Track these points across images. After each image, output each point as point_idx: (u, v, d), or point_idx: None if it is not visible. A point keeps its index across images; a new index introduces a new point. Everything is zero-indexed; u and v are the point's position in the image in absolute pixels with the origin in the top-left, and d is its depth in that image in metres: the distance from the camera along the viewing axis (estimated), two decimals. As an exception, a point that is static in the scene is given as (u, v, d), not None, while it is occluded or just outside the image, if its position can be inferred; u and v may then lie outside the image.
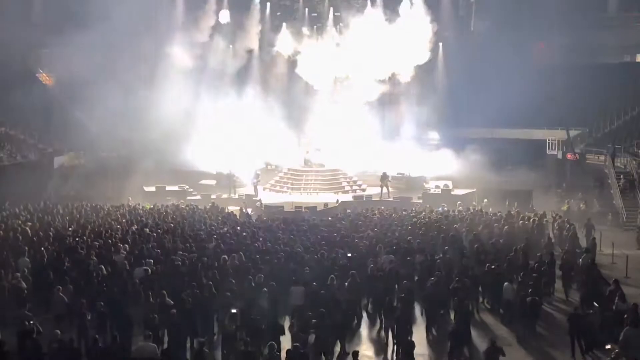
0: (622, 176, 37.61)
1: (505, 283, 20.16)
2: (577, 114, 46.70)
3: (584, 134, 46.53)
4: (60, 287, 18.90)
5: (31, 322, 16.52)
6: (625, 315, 16.75)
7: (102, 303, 17.96)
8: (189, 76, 46.82)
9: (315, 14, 51.51)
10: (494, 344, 15.48)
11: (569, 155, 45.01)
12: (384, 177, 41.73)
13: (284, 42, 50.30)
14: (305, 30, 50.49)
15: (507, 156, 43.43)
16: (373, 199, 41.14)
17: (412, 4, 46.64)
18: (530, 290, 19.28)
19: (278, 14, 52.20)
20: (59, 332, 15.85)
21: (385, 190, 41.66)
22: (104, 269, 21.18)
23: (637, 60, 53.94)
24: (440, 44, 48.01)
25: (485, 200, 36.98)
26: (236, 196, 42.19)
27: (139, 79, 44.45)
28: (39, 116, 44.77)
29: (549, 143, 47.26)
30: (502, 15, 47.88)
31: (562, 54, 48.60)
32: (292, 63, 49.19)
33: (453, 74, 49.83)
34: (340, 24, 49.48)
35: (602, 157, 41.97)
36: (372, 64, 46.10)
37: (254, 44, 50.65)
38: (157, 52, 46.37)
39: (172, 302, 17.78)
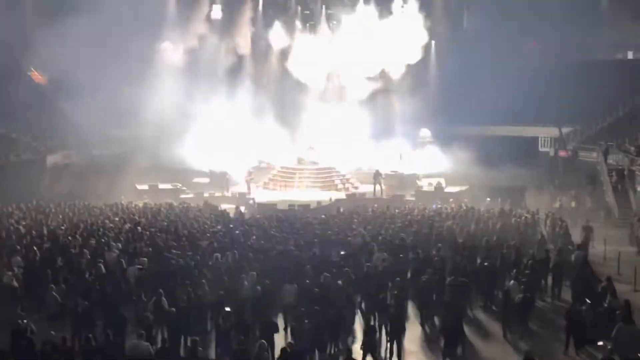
0: (614, 173, 37.70)
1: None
2: (569, 111, 46.83)
3: (577, 131, 46.70)
4: (53, 286, 18.87)
5: (24, 321, 16.47)
6: (618, 312, 16.81)
7: (95, 301, 17.96)
8: (181, 73, 46.72)
9: (308, 12, 51.48)
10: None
11: (561, 153, 45.19)
12: (376, 175, 41.81)
13: (277, 38, 50.40)
14: (298, 25, 50.51)
15: (499, 153, 43.51)
16: (366, 197, 41.20)
17: (404, 2, 46.67)
18: (522, 287, 19.34)
19: (271, 11, 52.11)
20: (53, 332, 15.82)
21: (378, 187, 41.75)
22: (99, 267, 21.15)
23: (629, 58, 54.09)
24: (433, 41, 48.04)
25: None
26: (229, 194, 42.20)
27: (132, 76, 44.29)
28: (31, 115, 44.66)
29: (541, 140, 47.49)
30: (495, 13, 47.97)
31: (555, 51, 48.67)
32: (284, 61, 49.14)
33: (445, 71, 49.92)
34: (333, 21, 49.49)
35: (594, 154, 42.09)
36: (364, 61, 46.14)
37: (247, 41, 50.50)
38: (149, 48, 46.23)
39: (166, 302, 17.76)
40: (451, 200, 37.29)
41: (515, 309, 19.00)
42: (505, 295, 19.57)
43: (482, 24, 50.40)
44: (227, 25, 49.67)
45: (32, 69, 50.65)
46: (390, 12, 47.28)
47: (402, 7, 47.02)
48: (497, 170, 41.78)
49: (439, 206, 35.03)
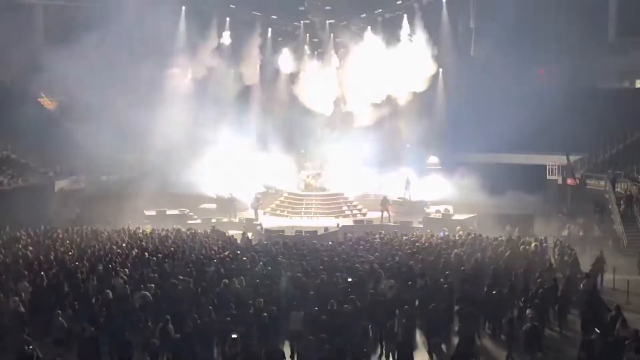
0: (622, 201, 37.58)
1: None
2: (577, 140, 46.74)
3: (584, 159, 46.58)
4: (60, 312, 18.84)
5: (30, 346, 16.44)
6: (627, 342, 16.68)
7: (101, 327, 17.93)
8: (189, 99, 46.94)
9: (316, 40, 51.77)
10: None
11: (569, 181, 45.04)
12: (384, 202, 41.83)
13: (285, 65, 50.75)
14: (306, 52, 50.81)
15: (507, 181, 43.42)
16: (374, 223, 41.13)
17: (412, 33, 46.88)
18: (529, 316, 19.23)
19: (280, 39, 52.46)
20: (58, 359, 15.77)
21: (386, 214, 41.72)
22: (104, 293, 21.12)
23: (636, 87, 54.11)
24: (440, 70, 48.22)
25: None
26: (237, 220, 42.23)
27: (140, 101, 44.52)
28: (40, 140, 44.86)
29: (549, 168, 47.36)
30: (502, 41, 48.07)
31: (562, 79, 48.74)
32: (292, 87, 49.36)
33: (453, 99, 49.99)
34: (341, 49, 49.77)
35: (602, 183, 41.99)
36: (371, 88, 46.33)
37: (255, 68, 50.76)
38: (158, 74, 46.46)
39: (172, 328, 17.71)
40: (458, 227, 37.17)
41: (523, 338, 18.88)
42: (509, 324, 19.50)
43: (489, 52, 50.46)
44: (236, 51, 49.91)
45: (42, 94, 50.92)
46: (398, 40, 47.47)
47: (410, 36, 47.21)
48: (505, 198, 41.69)
49: (447, 234, 34.92)
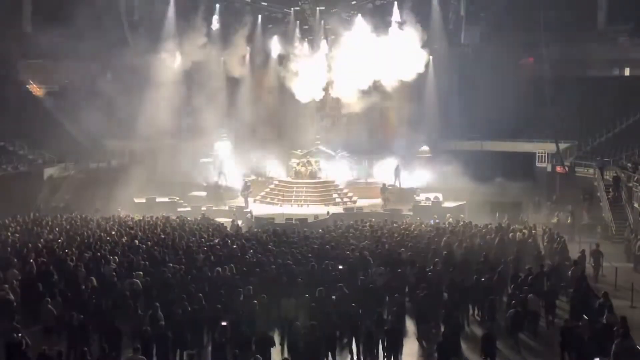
0: (611, 189, 37.76)
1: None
2: (566, 127, 46.96)
3: (573, 147, 46.75)
4: (49, 299, 18.81)
5: (20, 334, 16.42)
6: (615, 328, 16.80)
7: (90, 315, 17.92)
8: (178, 85, 46.80)
9: (307, 27, 51.57)
10: None
11: (558, 168, 45.21)
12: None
13: (275, 51, 50.63)
14: (296, 38, 50.60)
15: (496, 169, 43.56)
16: (364, 211, 41.17)
17: (402, 21, 46.69)
18: (513, 302, 19.42)
19: (270, 26, 52.29)
20: (45, 347, 15.74)
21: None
22: (93, 280, 21.10)
23: (625, 74, 54.24)
24: (430, 57, 48.17)
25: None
26: (227, 208, 42.18)
27: (129, 89, 44.40)
28: (29, 127, 44.68)
29: (538, 156, 47.51)
30: (492, 29, 48.13)
31: (552, 67, 48.81)
32: (282, 74, 49.18)
33: (442, 86, 50.01)
34: (331, 36, 49.62)
35: (591, 170, 42.17)
36: (360, 76, 46.24)
37: (245, 56, 50.59)
38: (147, 61, 46.25)
39: (162, 315, 17.71)
40: (448, 215, 37.27)
41: (508, 323, 19.05)
42: (490, 305, 19.69)
43: (479, 39, 50.51)
44: (225, 38, 49.66)
45: (31, 82, 50.66)
46: (388, 28, 47.26)
47: (400, 24, 47.00)
48: (494, 186, 41.83)
49: (437, 221, 35.01)
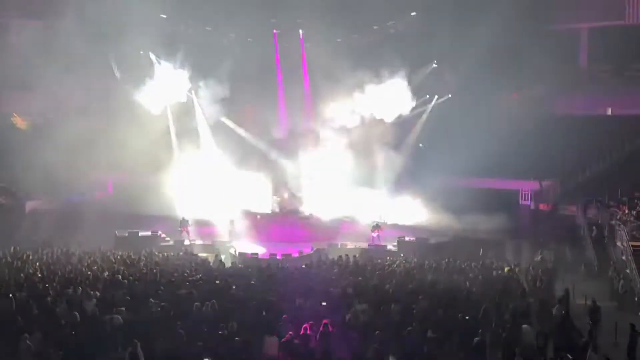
0: (594, 227, 37.93)
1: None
2: (549, 165, 47.22)
3: (556, 185, 47.01)
4: (28, 335, 18.51)
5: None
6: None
7: (70, 351, 17.64)
8: (163, 119, 46.82)
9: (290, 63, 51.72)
10: None
11: (541, 206, 45.43)
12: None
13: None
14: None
15: (480, 206, 43.65)
16: (348, 247, 41.08)
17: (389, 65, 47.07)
18: (503, 341, 19.29)
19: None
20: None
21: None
22: (75, 315, 20.81)
23: (607, 114, 54.79)
24: (414, 102, 48.64)
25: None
26: (210, 243, 41.97)
27: (115, 122, 44.27)
28: (11, 159, 44.40)
29: (522, 193, 47.74)
30: (475, 65, 48.46)
31: (534, 105, 49.25)
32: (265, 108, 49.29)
33: (427, 124, 50.35)
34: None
35: (574, 208, 42.38)
36: (345, 112, 46.64)
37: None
38: (132, 93, 46.21)
39: (142, 353, 17.47)
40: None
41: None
42: (477, 346, 19.57)
43: (462, 75, 50.91)
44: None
45: (14, 114, 50.45)
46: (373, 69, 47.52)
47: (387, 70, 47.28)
48: (478, 223, 41.84)
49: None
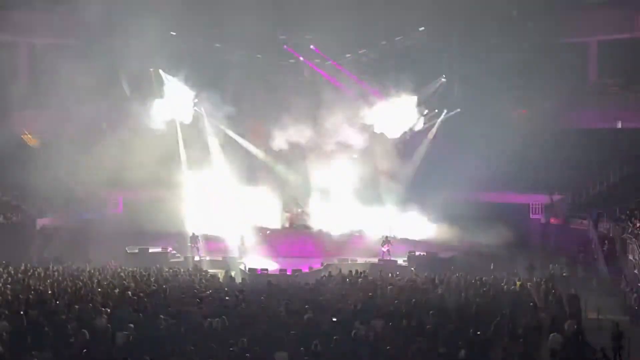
0: (605, 241, 37.74)
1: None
2: (559, 179, 47.06)
3: (567, 199, 46.83)
4: (38, 352, 18.50)
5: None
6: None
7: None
8: (172, 135, 46.99)
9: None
10: None
11: (552, 220, 45.26)
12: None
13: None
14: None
15: (490, 220, 43.51)
16: (358, 262, 40.99)
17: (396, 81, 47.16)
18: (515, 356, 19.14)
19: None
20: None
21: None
22: (86, 333, 20.80)
23: (617, 127, 54.59)
24: (422, 118, 48.69)
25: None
26: (220, 258, 41.99)
27: (125, 139, 44.47)
28: (22, 177, 44.57)
29: (532, 207, 47.58)
30: (485, 81, 48.48)
31: (544, 119, 49.16)
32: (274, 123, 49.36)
33: (436, 137, 50.33)
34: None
35: (585, 222, 42.20)
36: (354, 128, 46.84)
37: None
38: (142, 111, 46.36)
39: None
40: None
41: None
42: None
43: (472, 91, 50.89)
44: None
45: (25, 131, 50.70)
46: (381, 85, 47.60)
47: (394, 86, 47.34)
48: (488, 237, 41.70)
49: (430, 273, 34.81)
